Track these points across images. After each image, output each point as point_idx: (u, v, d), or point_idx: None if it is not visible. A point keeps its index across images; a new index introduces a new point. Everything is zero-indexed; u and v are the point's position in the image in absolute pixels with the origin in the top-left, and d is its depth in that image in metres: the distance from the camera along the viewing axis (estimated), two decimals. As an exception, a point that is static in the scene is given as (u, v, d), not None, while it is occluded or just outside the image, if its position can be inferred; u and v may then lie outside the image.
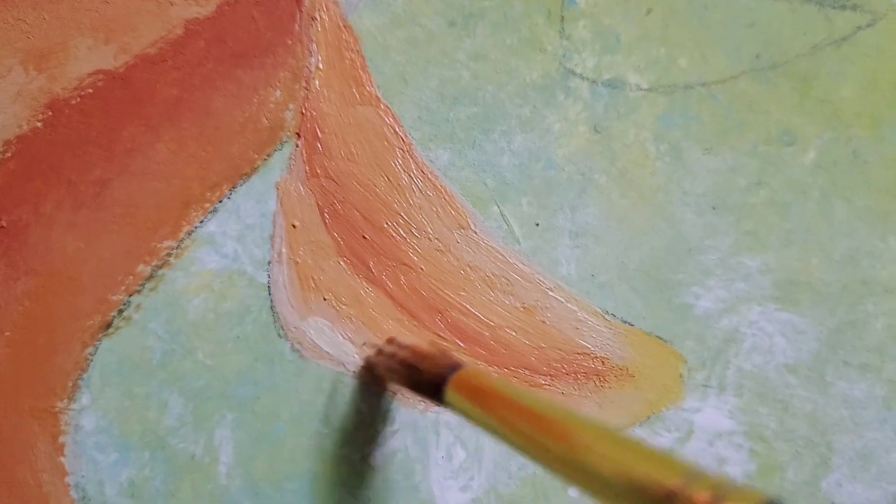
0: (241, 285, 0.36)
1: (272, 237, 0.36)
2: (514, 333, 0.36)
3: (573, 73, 0.37)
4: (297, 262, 0.36)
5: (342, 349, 0.36)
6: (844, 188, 0.38)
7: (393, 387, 0.35)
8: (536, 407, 0.26)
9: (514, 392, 0.28)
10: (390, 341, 0.35)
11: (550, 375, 0.36)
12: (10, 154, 0.36)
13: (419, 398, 0.32)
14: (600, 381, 0.37)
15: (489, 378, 0.29)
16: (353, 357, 0.36)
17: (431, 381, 0.30)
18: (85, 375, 0.35)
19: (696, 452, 0.37)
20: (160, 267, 0.36)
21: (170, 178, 0.36)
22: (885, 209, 0.38)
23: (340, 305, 0.36)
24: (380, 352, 0.35)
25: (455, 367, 0.30)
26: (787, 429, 0.37)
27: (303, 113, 0.37)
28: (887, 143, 0.38)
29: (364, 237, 0.36)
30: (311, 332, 0.36)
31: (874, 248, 0.37)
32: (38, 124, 0.36)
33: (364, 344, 0.36)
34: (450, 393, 0.29)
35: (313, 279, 0.36)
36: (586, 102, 0.37)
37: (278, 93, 0.37)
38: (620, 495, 0.21)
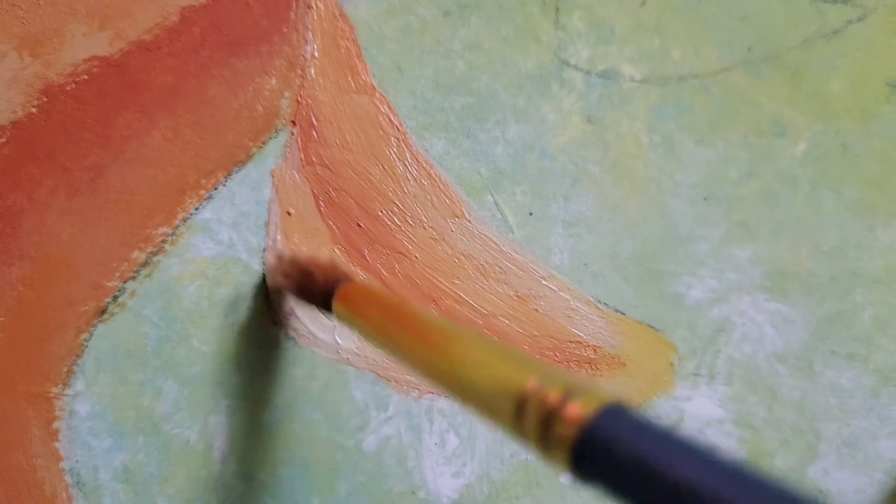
0: (236, 272, 0.36)
1: (267, 224, 0.36)
2: (507, 321, 0.37)
3: (568, 63, 0.37)
4: (292, 250, 0.36)
5: (336, 337, 0.36)
6: (834, 180, 0.38)
7: (289, 298, 0.35)
8: (417, 317, 0.26)
9: (398, 303, 0.29)
10: (288, 253, 0.35)
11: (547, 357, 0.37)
12: (4, 140, 0.36)
13: (314, 310, 0.33)
14: (592, 369, 0.37)
15: (376, 290, 0.30)
16: (349, 345, 0.36)
17: (321, 292, 0.31)
18: (80, 361, 0.35)
19: (686, 440, 0.38)
20: (155, 253, 0.36)
21: (165, 165, 0.36)
22: (874, 201, 0.38)
23: (335, 293, 0.36)
24: (280, 260, 0.35)
25: (342, 279, 0.31)
26: (775, 417, 0.37)
27: (298, 101, 0.37)
28: (876, 137, 0.38)
29: (359, 225, 0.36)
30: (306, 319, 0.36)
31: (862, 239, 0.38)
32: (33, 110, 0.36)
33: (266, 251, 0.36)
34: (337, 303, 0.30)
35: (308, 267, 0.36)
36: (580, 93, 0.37)
37: (274, 81, 0.37)
38: (484, 399, 0.21)
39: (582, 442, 0.17)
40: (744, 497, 0.15)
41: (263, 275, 0.36)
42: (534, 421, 0.18)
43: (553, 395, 0.18)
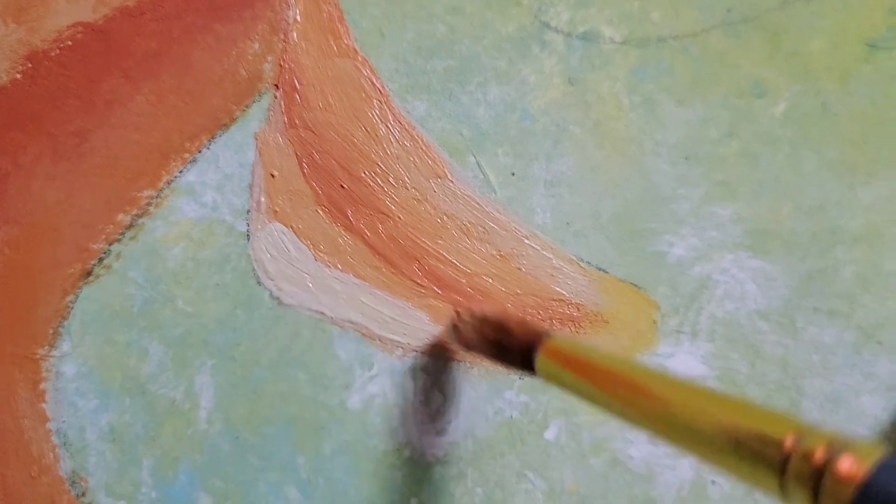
0: (220, 234, 0.36)
1: (251, 186, 0.36)
2: (490, 280, 0.37)
3: (548, 26, 0.38)
4: (276, 211, 0.36)
5: (319, 295, 0.36)
6: (814, 140, 0.38)
7: (474, 358, 0.34)
8: (627, 371, 0.25)
9: (604, 356, 0.28)
10: (471, 313, 0.34)
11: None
12: (-11, 104, 0.36)
13: (505, 368, 0.32)
14: (576, 326, 0.37)
15: (578, 344, 0.29)
16: (331, 304, 0.36)
17: (521, 350, 0.30)
18: (66, 323, 0.35)
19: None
20: (140, 216, 0.36)
21: (149, 129, 0.37)
22: (854, 160, 0.38)
23: (319, 254, 0.36)
24: (461, 323, 0.34)
25: (544, 334, 0.30)
26: (758, 373, 0.37)
27: (281, 65, 0.37)
28: (855, 97, 0.39)
29: (342, 186, 0.37)
30: (287, 281, 0.36)
31: (843, 197, 0.38)
32: (18, 76, 0.36)
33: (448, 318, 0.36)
34: (541, 360, 0.29)
35: (292, 227, 0.36)
36: (561, 55, 0.38)
37: (256, 45, 0.37)
38: (728, 454, 0.20)
39: (861, 499, 0.17)
40: None
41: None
42: (799, 480, 0.18)
43: (819, 452, 0.18)
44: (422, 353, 0.36)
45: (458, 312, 0.36)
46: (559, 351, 0.28)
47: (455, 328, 0.35)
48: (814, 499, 0.18)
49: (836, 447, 0.18)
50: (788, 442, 0.18)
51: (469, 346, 0.33)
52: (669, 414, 0.22)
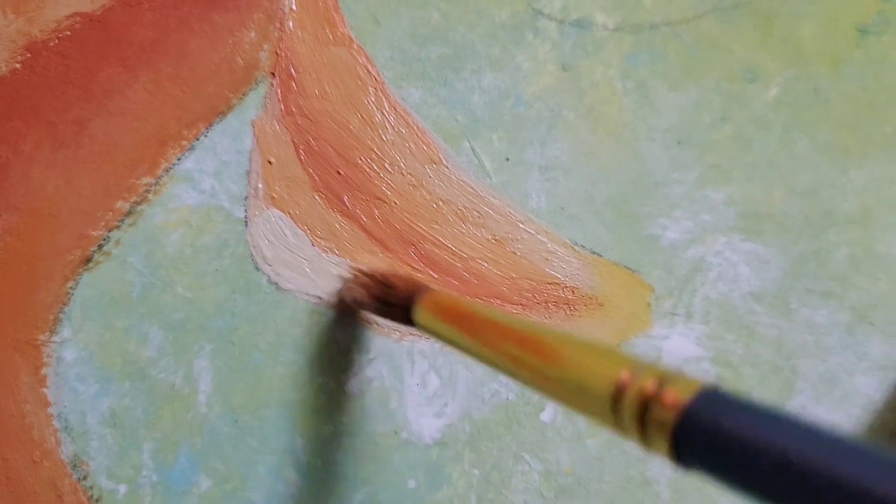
0: (218, 220, 0.36)
1: (248, 173, 0.37)
2: (485, 264, 0.37)
3: (541, 13, 0.38)
4: (274, 198, 0.37)
5: (316, 280, 0.37)
6: (806, 124, 0.39)
7: (362, 313, 0.36)
8: (503, 320, 0.27)
9: (481, 309, 0.29)
10: (358, 270, 0.36)
11: (522, 305, 0.37)
12: (-11, 94, 0.37)
13: (390, 322, 0.33)
14: (570, 309, 0.37)
15: (456, 297, 0.30)
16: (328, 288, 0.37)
17: (401, 304, 0.31)
18: (66, 309, 0.36)
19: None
20: (139, 203, 0.36)
21: (147, 118, 0.37)
22: (846, 143, 0.39)
23: (316, 239, 0.37)
24: (349, 280, 0.35)
25: (423, 288, 0.31)
26: (752, 354, 0.38)
27: (277, 53, 0.37)
28: (847, 81, 0.39)
29: (338, 172, 0.37)
30: (284, 266, 0.37)
31: (835, 180, 0.38)
32: (17, 66, 0.37)
33: (337, 275, 0.37)
34: (420, 313, 0.30)
35: (290, 213, 0.37)
36: (554, 42, 0.38)
37: (253, 34, 0.38)
38: (579, 393, 0.22)
39: (683, 425, 0.18)
40: (855, 467, 0.15)
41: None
42: (632, 410, 0.19)
43: (648, 384, 0.19)
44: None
45: (349, 270, 0.37)
46: (438, 303, 0.30)
47: (345, 285, 0.36)
48: (642, 428, 0.19)
49: (666, 380, 0.19)
50: (623, 375, 0.20)
51: (357, 303, 0.35)
52: (529, 356, 0.24)
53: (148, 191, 0.36)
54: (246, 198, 0.37)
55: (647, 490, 0.37)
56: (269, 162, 0.37)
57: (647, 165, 0.38)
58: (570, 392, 0.22)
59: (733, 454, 0.16)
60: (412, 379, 0.37)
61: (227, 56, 0.37)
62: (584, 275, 0.38)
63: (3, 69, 0.37)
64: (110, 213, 0.36)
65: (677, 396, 0.18)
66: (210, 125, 0.37)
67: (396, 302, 0.32)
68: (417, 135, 0.37)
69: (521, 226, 0.38)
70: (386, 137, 0.37)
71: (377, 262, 0.37)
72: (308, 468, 0.36)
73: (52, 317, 0.36)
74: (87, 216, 0.36)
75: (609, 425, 0.20)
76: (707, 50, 0.39)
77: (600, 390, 0.20)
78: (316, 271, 0.37)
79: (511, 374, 0.25)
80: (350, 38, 0.38)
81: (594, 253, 0.38)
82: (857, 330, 0.38)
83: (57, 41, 0.37)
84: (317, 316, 0.37)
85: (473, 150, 0.38)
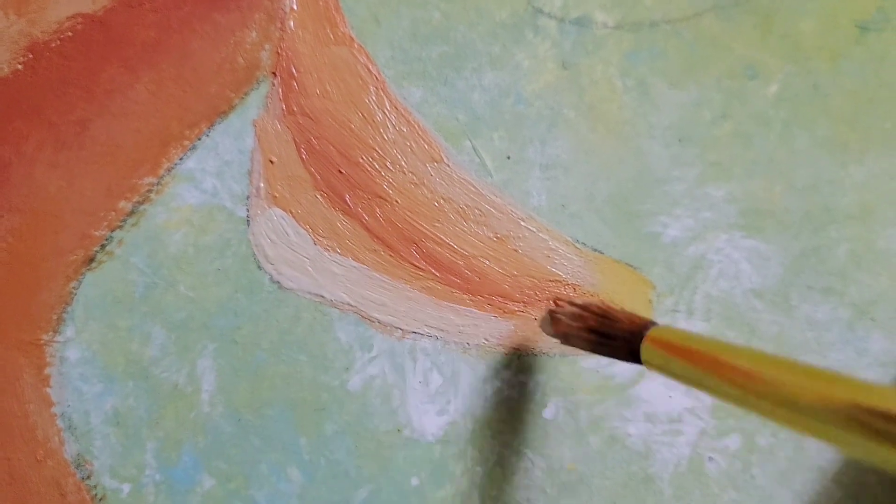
0: (220, 219, 0.36)
1: (250, 173, 0.37)
2: (487, 262, 0.37)
3: (541, 12, 0.38)
4: (275, 197, 0.37)
5: (318, 278, 0.37)
6: (806, 119, 0.39)
7: (578, 348, 0.34)
8: (734, 355, 0.26)
9: (710, 343, 0.28)
10: (573, 304, 0.35)
11: (524, 302, 0.37)
12: (-9, 95, 0.37)
13: (610, 357, 0.32)
14: (572, 307, 0.38)
15: (682, 332, 0.29)
16: (331, 287, 0.37)
17: (626, 339, 0.30)
18: (69, 309, 0.36)
19: (668, 380, 0.38)
20: (141, 203, 0.36)
21: (149, 118, 0.37)
22: (845, 139, 0.39)
23: (318, 238, 0.37)
24: (560, 313, 0.35)
25: (650, 323, 0.30)
26: (753, 351, 0.38)
27: (278, 53, 0.37)
28: (846, 76, 0.39)
29: (340, 171, 0.37)
30: (287, 264, 0.37)
31: (835, 176, 0.38)
32: (19, 67, 0.37)
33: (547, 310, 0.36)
34: (647, 348, 0.29)
35: (291, 212, 0.37)
36: (554, 40, 0.38)
37: (254, 34, 0.38)
38: (844, 429, 0.21)
39: None
40: None
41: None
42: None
43: None
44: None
45: (556, 302, 0.36)
46: (664, 339, 0.29)
47: (553, 318, 0.34)
48: None
49: None
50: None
51: (567, 337, 0.33)
52: (787, 397, 0.23)
53: (150, 191, 0.37)
54: (248, 197, 0.37)
55: (649, 487, 0.38)
56: (271, 161, 0.37)
57: (647, 163, 0.38)
58: (845, 433, 0.21)
59: None
60: (415, 377, 0.37)
61: (228, 56, 0.38)
62: (585, 272, 0.38)
63: (5, 70, 0.37)
64: (113, 213, 0.37)
65: None
66: (212, 125, 0.37)
67: (620, 336, 0.31)
68: (418, 133, 0.38)
69: (522, 224, 0.38)
70: (387, 136, 0.37)
71: (585, 296, 0.37)
72: (311, 466, 0.36)
73: (55, 317, 0.36)
74: (90, 216, 0.37)
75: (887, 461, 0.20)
76: (707, 47, 0.39)
77: (889, 432, 0.19)
78: (318, 270, 0.37)
79: (764, 415, 0.24)
80: (351, 37, 0.38)
81: (595, 250, 0.38)
82: (858, 326, 0.38)
83: (58, 42, 0.37)
84: (319, 314, 0.37)
85: (474, 149, 0.38)
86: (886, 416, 0.20)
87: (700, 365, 0.27)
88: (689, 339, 0.28)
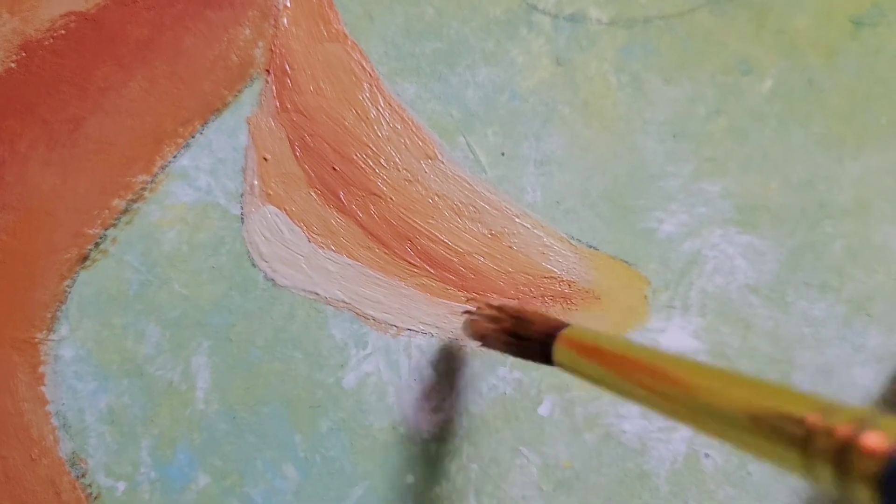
0: (214, 217, 0.36)
1: (244, 170, 0.37)
2: (482, 259, 0.37)
3: (535, 8, 0.38)
4: (269, 194, 0.37)
5: (313, 276, 0.37)
6: (801, 115, 0.39)
7: (496, 350, 0.34)
8: (646, 357, 0.26)
9: (622, 344, 0.28)
10: (489, 306, 0.35)
11: (519, 299, 0.37)
12: (-16, 93, 0.37)
13: (525, 359, 0.32)
14: (567, 303, 0.37)
15: (596, 333, 0.29)
16: (326, 284, 0.37)
17: (539, 340, 0.30)
18: (63, 307, 0.36)
19: (664, 376, 0.38)
20: (135, 201, 0.36)
21: (143, 115, 0.37)
22: (841, 134, 0.39)
23: (312, 235, 0.37)
24: (478, 315, 0.34)
25: (562, 324, 0.30)
26: (749, 346, 0.38)
27: (272, 50, 0.37)
28: (841, 72, 0.39)
29: (334, 169, 0.37)
30: (281, 262, 0.37)
31: (831, 171, 0.38)
32: (12, 65, 0.37)
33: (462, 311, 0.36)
34: (559, 349, 0.29)
35: (286, 210, 0.37)
36: (549, 36, 0.38)
37: (247, 31, 0.38)
38: (752, 434, 0.20)
39: (890, 474, 0.16)
40: None
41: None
42: (825, 457, 0.18)
43: (843, 428, 0.17)
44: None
45: (473, 305, 0.36)
46: (575, 339, 0.28)
47: (471, 321, 0.35)
48: (840, 475, 0.18)
49: (865, 423, 0.17)
50: (811, 419, 0.18)
51: (485, 339, 0.34)
52: (692, 398, 0.22)
53: (144, 188, 0.37)
54: (242, 194, 0.37)
55: (645, 483, 0.37)
56: (265, 158, 0.37)
57: (642, 159, 0.38)
58: (750, 437, 0.20)
59: None
60: (409, 374, 0.37)
61: (222, 53, 0.38)
62: (580, 268, 0.38)
63: (-1, 68, 0.37)
64: (107, 211, 0.37)
65: (881, 442, 0.17)
66: (206, 122, 0.37)
67: (534, 337, 0.30)
68: (412, 130, 0.37)
69: (517, 220, 0.38)
70: (381, 133, 0.37)
71: (502, 298, 0.37)
72: (306, 464, 0.36)
73: (49, 315, 0.36)
74: (84, 214, 0.37)
75: (797, 470, 0.19)
76: (701, 43, 0.39)
77: (786, 435, 0.19)
78: (312, 267, 0.37)
79: (673, 416, 0.24)
80: (344, 34, 0.38)
81: (590, 247, 0.38)
82: (855, 322, 0.38)
83: (52, 40, 0.37)
84: (314, 311, 0.37)
85: (469, 145, 0.38)
86: (782, 417, 0.19)
87: (605, 363, 0.26)
88: (597, 339, 0.28)
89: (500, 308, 0.33)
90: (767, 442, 0.20)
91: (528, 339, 0.31)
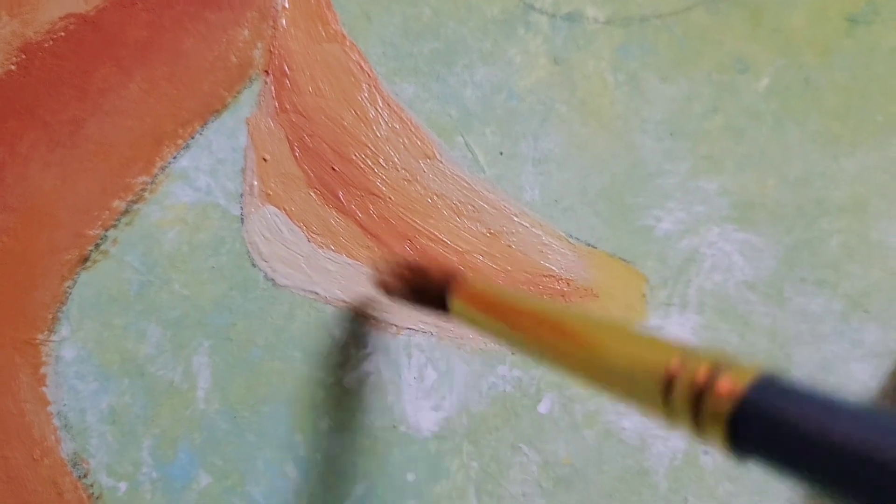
0: (214, 217, 0.37)
1: (244, 171, 0.37)
2: (481, 258, 0.38)
3: (532, 7, 0.38)
4: (269, 194, 0.37)
5: (313, 276, 0.37)
6: (797, 113, 0.39)
7: (395, 301, 0.34)
8: (542, 308, 0.26)
9: (513, 295, 0.28)
10: (391, 259, 0.35)
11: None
12: (-16, 95, 0.37)
13: (424, 311, 0.32)
14: (566, 301, 0.38)
15: (490, 285, 0.29)
16: (326, 284, 0.37)
17: (438, 293, 0.30)
18: (64, 308, 0.36)
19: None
20: (135, 202, 0.37)
21: (142, 116, 0.37)
22: (837, 132, 0.39)
23: (312, 235, 0.37)
24: (382, 270, 0.35)
25: (459, 276, 0.30)
26: (748, 343, 0.38)
27: (271, 51, 0.38)
28: (837, 70, 0.39)
29: (333, 169, 0.37)
30: (280, 261, 0.37)
31: (827, 169, 0.39)
32: (12, 67, 0.37)
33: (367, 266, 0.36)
34: (455, 301, 0.29)
35: (285, 210, 0.37)
36: (546, 36, 0.38)
37: (246, 32, 0.38)
38: (626, 383, 0.21)
39: (738, 416, 0.17)
40: None
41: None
42: (683, 400, 0.18)
43: (701, 372, 0.18)
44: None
45: (379, 260, 0.36)
46: (469, 290, 0.29)
47: (377, 275, 0.35)
48: (695, 417, 0.18)
49: (719, 367, 0.18)
50: (673, 364, 0.19)
51: (390, 293, 0.34)
52: (573, 347, 0.23)
53: (144, 189, 0.37)
54: (241, 195, 0.37)
55: (645, 480, 0.38)
56: (264, 159, 0.37)
57: (639, 157, 0.38)
58: (618, 382, 0.21)
59: (794, 444, 0.16)
60: (409, 373, 0.37)
61: (221, 54, 0.38)
62: (579, 267, 0.38)
63: (-1, 71, 0.37)
64: (107, 211, 0.37)
65: (732, 385, 0.17)
66: (205, 123, 0.37)
67: (432, 290, 0.30)
68: (411, 130, 0.38)
69: (515, 219, 0.38)
70: (380, 133, 0.38)
71: (407, 252, 0.37)
72: (307, 463, 0.36)
73: (50, 316, 0.36)
74: (84, 215, 0.37)
75: (659, 415, 0.19)
76: (697, 41, 0.39)
77: (649, 380, 0.19)
78: (312, 267, 0.37)
79: (551, 363, 0.24)
80: (343, 34, 0.38)
81: (589, 245, 0.38)
82: (852, 318, 0.38)
83: (51, 42, 0.37)
84: (314, 311, 0.37)
85: (467, 145, 0.38)
86: (645, 363, 0.20)
87: (497, 313, 0.27)
88: (490, 289, 0.29)
89: (400, 261, 0.34)
90: (635, 389, 0.20)
91: (428, 290, 0.31)
